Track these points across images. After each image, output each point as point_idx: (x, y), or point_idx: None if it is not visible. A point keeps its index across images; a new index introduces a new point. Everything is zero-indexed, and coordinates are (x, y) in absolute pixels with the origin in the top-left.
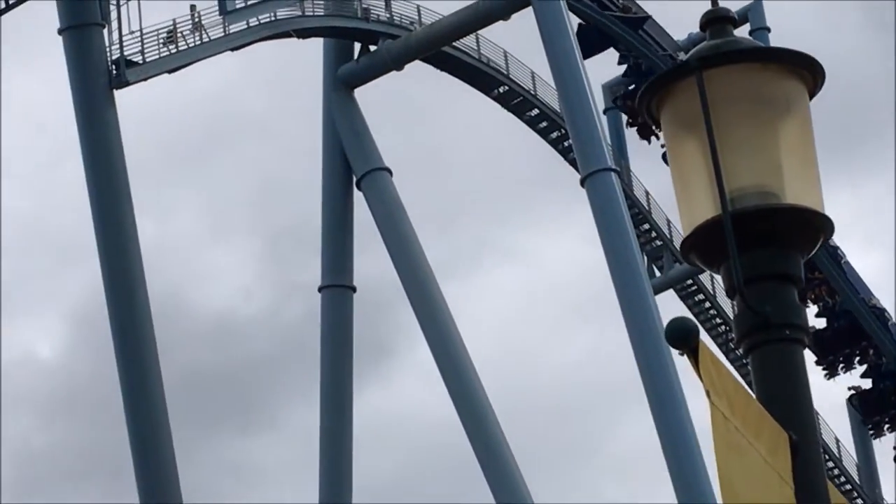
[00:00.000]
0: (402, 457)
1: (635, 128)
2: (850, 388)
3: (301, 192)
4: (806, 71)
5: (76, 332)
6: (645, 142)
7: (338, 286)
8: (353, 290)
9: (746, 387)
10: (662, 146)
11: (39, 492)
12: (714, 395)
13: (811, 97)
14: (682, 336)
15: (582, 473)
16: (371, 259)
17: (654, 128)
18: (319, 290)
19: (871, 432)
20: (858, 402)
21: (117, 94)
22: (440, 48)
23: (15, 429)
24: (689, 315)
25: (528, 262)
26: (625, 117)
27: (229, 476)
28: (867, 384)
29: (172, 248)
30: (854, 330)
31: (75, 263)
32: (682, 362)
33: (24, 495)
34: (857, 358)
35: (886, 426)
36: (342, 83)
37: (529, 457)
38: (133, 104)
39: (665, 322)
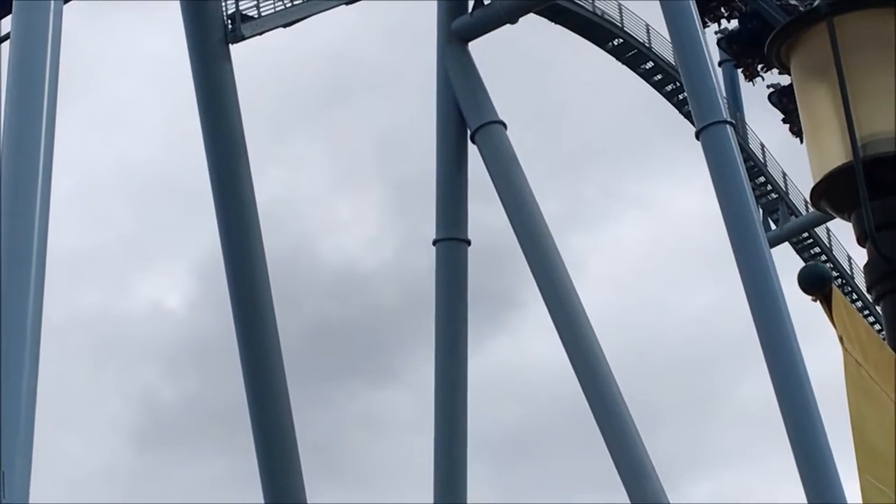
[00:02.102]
0: (526, 408)
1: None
2: (716, 32)
3: (422, 145)
4: None
5: (203, 285)
6: (750, 84)
7: (452, 239)
8: (468, 243)
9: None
10: (769, 87)
11: (165, 442)
12: (847, 341)
13: None
14: (815, 282)
15: (705, 426)
16: (489, 212)
17: (759, 69)
18: (434, 243)
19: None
20: (728, 45)
21: (234, 48)
22: (554, 1)
23: (142, 380)
24: None
25: (650, 215)
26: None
27: (356, 427)
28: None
29: (299, 199)
30: None
31: (201, 216)
32: (798, 316)
33: (151, 445)
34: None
35: (760, 66)
36: (456, 36)
37: (652, 409)
38: (259, 56)
39: (780, 276)
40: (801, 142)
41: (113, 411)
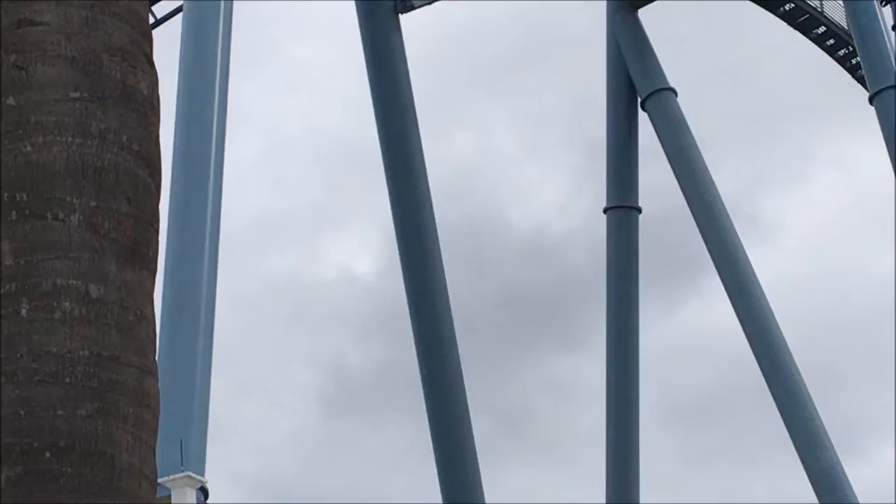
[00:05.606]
0: (717, 372)
1: None
2: None
3: (603, 110)
4: None
5: (393, 250)
6: None
7: (623, 207)
8: (639, 210)
9: None
10: None
11: (354, 409)
12: None
13: None
14: None
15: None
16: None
17: None
18: (604, 211)
19: None
20: None
21: (415, 16)
22: None
23: (332, 346)
24: None
25: (837, 177)
26: None
27: (544, 393)
28: None
29: (488, 165)
30: None
31: None
32: None
33: (339, 412)
34: None
35: None
36: (626, 3)
37: (839, 371)
38: (438, 25)
39: None
40: None
41: (302, 377)
